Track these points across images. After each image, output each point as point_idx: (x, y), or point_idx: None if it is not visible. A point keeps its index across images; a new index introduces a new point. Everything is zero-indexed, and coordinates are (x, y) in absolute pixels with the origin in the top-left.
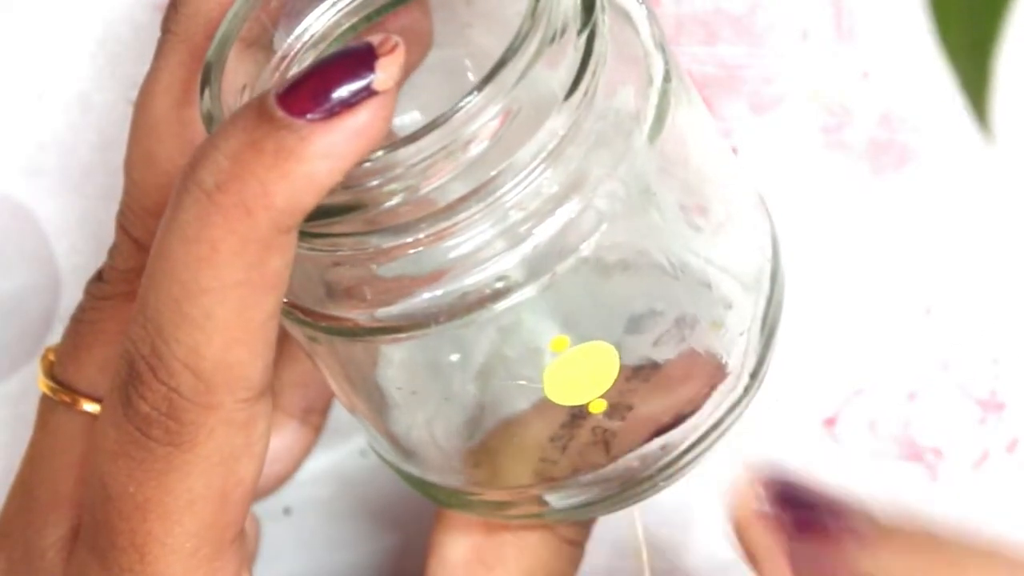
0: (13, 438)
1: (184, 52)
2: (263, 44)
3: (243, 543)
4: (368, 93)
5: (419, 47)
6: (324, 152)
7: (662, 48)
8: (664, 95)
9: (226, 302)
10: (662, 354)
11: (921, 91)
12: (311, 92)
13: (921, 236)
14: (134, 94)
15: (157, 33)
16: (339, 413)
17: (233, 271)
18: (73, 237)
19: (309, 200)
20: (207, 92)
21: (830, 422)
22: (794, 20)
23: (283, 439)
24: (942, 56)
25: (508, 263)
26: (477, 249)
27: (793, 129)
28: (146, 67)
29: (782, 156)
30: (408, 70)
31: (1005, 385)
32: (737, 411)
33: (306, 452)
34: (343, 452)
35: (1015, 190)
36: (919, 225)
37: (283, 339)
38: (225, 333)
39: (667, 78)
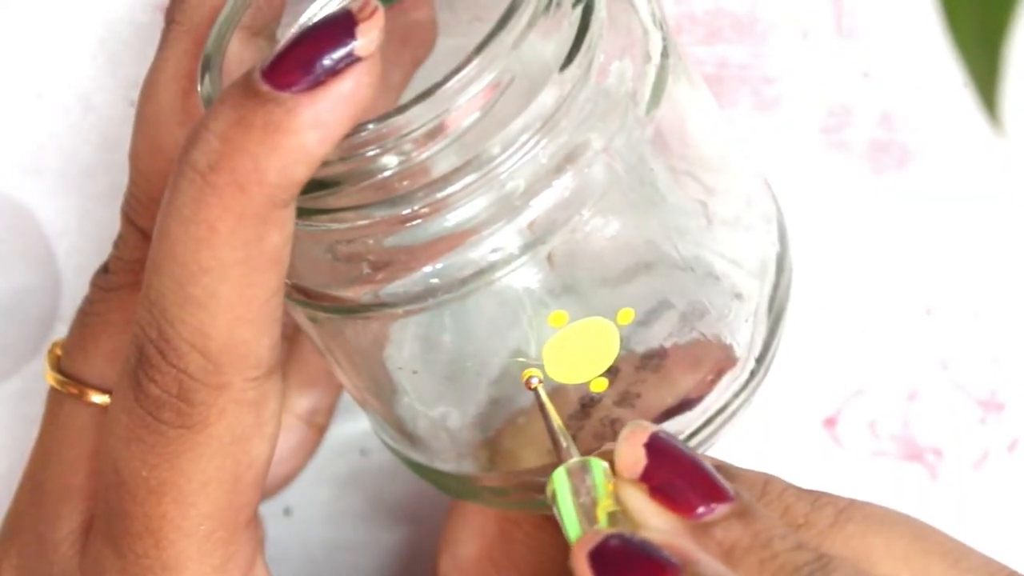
0: (14, 438)
1: (189, 42)
2: (267, 33)
3: (257, 527)
4: (351, 59)
5: (424, 44)
6: (312, 122)
7: (661, 26)
8: (662, 71)
9: (227, 281)
10: (671, 343)
11: (921, 91)
12: (295, 64)
13: (921, 236)
14: (135, 94)
15: (157, 33)
16: (340, 413)
17: (232, 250)
18: (73, 237)
19: (302, 172)
20: (207, 78)
21: (830, 422)
22: (794, 20)
23: (288, 440)
24: (950, 46)
25: (505, 235)
26: (474, 221)
27: (793, 129)
28: (146, 67)
29: (782, 156)
30: (415, 65)
31: (1005, 385)
32: (743, 396)
33: (311, 453)
34: (343, 452)
35: (1015, 190)
36: (919, 225)
37: (291, 341)
38: (229, 312)
39: (665, 54)
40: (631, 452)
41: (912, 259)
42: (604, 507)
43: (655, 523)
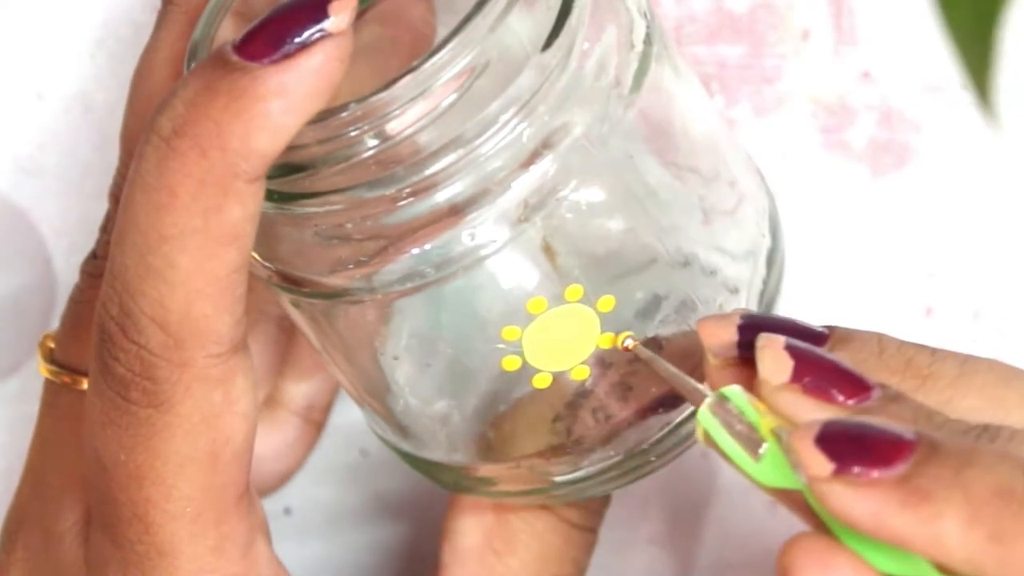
0: (14, 438)
1: (184, 23)
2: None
3: (252, 508)
4: (322, 35)
5: (422, 42)
6: (276, 91)
7: (645, 15)
8: (644, 59)
9: (186, 251)
10: (665, 335)
11: (921, 91)
12: (267, 38)
13: (921, 236)
14: None
15: None
16: (339, 413)
17: (191, 217)
18: (72, 237)
19: (264, 142)
20: (194, 64)
21: None
22: (794, 20)
23: (285, 436)
24: (942, 31)
25: (487, 217)
26: (455, 201)
27: (793, 129)
28: None
29: (782, 156)
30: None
31: None
32: None
33: (309, 450)
34: (343, 452)
35: (1015, 190)
36: (919, 225)
37: (287, 338)
38: (188, 284)
39: (648, 42)
40: (776, 358)
41: (912, 259)
42: (766, 425)
43: (823, 417)
